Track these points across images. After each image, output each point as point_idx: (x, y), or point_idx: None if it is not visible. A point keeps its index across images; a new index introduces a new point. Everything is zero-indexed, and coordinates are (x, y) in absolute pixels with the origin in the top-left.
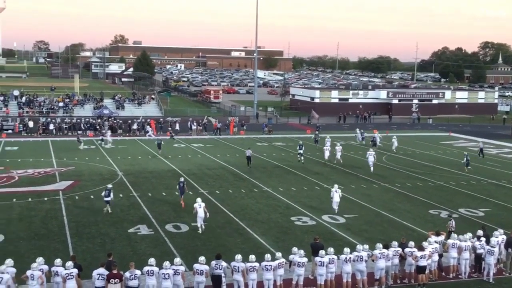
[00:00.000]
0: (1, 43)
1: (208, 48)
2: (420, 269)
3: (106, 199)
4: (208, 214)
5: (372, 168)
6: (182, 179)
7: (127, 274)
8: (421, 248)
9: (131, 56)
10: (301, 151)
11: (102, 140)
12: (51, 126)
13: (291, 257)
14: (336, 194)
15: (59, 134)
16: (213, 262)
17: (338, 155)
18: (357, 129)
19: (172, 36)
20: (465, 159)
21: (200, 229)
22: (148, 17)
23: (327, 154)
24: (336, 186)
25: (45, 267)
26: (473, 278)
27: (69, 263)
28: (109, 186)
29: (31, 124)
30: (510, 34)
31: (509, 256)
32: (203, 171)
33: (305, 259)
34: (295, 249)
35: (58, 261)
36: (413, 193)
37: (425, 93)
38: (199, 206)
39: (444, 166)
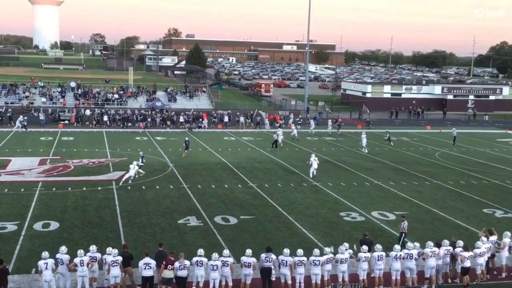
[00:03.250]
0: (60, 36)
1: (259, 41)
2: (465, 270)
3: (140, 164)
4: (135, 175)
5: (364, 150)
6: (187, 139)
7: (177, 264)
8: (466, 249)
9: (183, 49)
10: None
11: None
12: (105, 118)
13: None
14: (315, 162)
15: (113, 126)
16: (263, 255)
17: (280, 138)
18: (329, 121)
19: (224, 29)
20: (387, 135)
21: (130, 180)
22: (201, 10)
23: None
24: (313, 155)
25: (98, 255)
26: None
27: (115, 251)
28: (141, 153)
29: (87, 112)
30: None
31: None
32: (253, 165)
33: (347, 255)
34: (341, 247)
35: (109, 249)
36: (467, 191)
37: (482, 88)
38: (133, 168)
39: (499, 164)
